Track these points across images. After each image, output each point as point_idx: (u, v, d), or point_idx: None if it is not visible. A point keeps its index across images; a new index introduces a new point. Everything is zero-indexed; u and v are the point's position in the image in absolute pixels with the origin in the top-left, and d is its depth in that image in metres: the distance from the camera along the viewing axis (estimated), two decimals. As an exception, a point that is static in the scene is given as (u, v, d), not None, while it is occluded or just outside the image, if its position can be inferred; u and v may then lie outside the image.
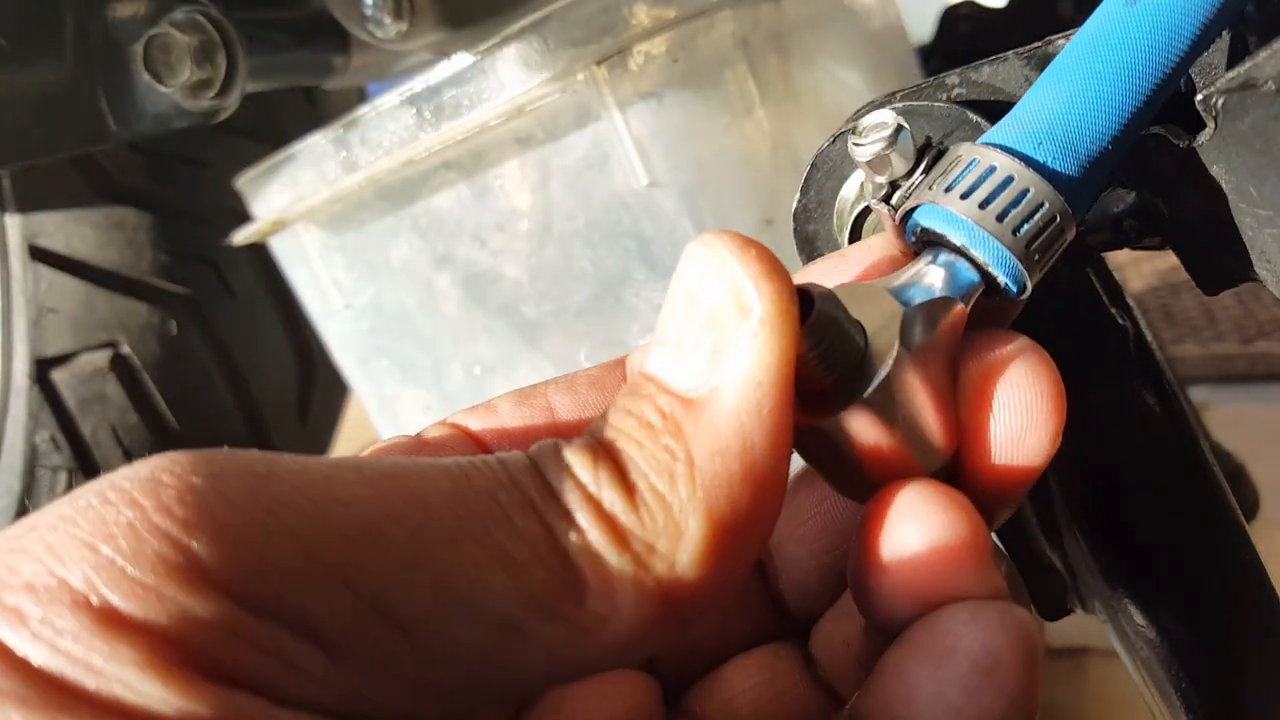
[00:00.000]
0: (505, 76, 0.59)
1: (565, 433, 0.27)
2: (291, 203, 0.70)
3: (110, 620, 0.18)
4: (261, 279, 0.99)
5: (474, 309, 0.67)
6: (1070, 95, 0.26)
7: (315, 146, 0.67)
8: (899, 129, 0.26)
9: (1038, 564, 0.35)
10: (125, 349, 0.94)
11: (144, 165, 0.96)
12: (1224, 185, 0.27)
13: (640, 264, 0.61)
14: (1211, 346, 1.69)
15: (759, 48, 0.61)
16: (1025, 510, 0.34)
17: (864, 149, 0.26)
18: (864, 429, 0.23)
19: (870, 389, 0.23)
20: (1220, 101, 0.26)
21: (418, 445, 0.28)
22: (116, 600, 0.18)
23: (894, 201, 0.26)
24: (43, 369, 0.94)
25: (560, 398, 0.29)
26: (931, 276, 0.25)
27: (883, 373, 0.23)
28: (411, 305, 0.70)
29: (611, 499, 0.21)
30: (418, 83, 0.61)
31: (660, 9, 0.58)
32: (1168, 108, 0.27)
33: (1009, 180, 0.25)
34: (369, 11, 0.74)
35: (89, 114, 0.59)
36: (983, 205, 0.25)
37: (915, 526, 0.23)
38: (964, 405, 0.25)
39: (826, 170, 0.31)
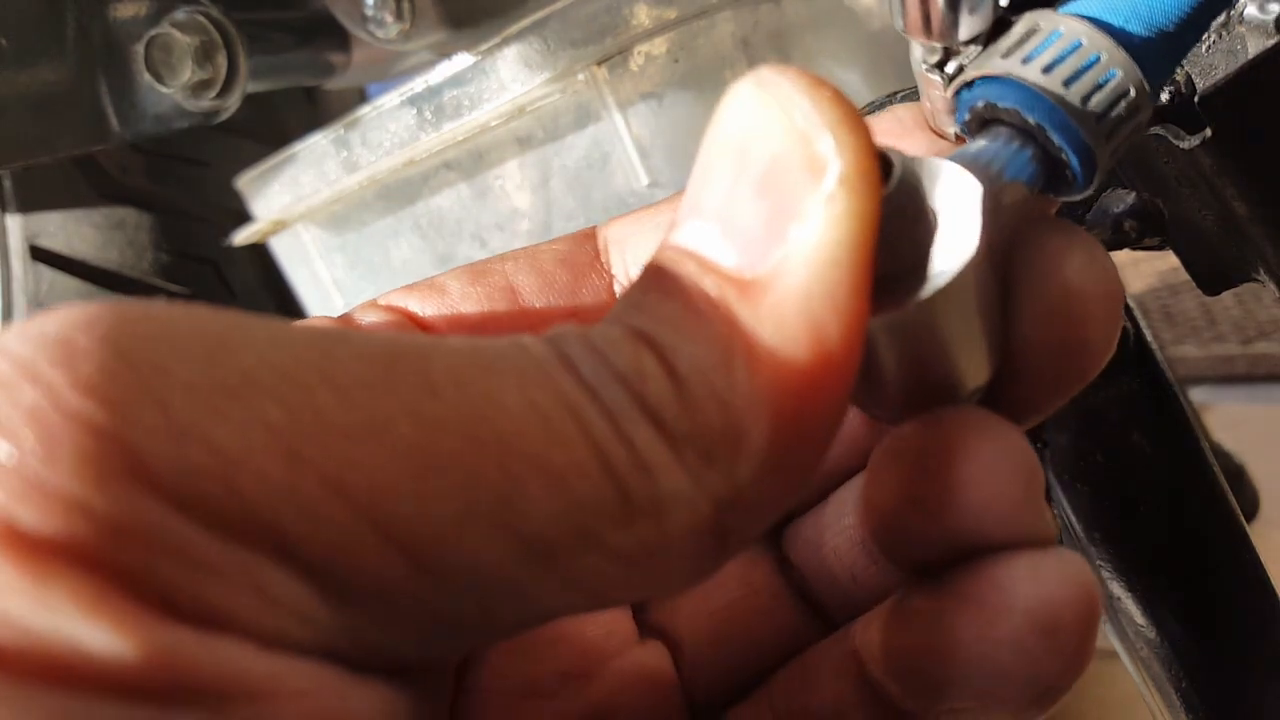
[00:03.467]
0: (506, 77, 0.59)
1: (536, 321, 0.23)
2: (292, 203, 0.70)
3: (26, 549, 0.13)
4: (262, 279, 0.99)
5: (474, 309, 0.67)
6: None
7: (316, 146, 0.67)
8: None
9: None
10: (126, 349, 0.94)
11: (145, 165, 0.96)
12: (1224, 185, 0.27)
13: (641, 264, 0.61)
14: (1211, 347, 1.69)
15: (759, 48, 0.61)
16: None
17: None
18: (917, 332, 0.20)
19: (945, 281, 0.19)
20: (1220, 102, 0.26)
21: (344, 328, 0.22)
22: (30, 520, 0.13)
23: (949, 70, 0.23)
24: (43, 369, 0.94)
25: (524, 277, 0.24)
26: (996, 157, 0.22)
27: (960, 265, 0.19)
28: (412, 305, 0.70)
29: (660, 398, 0.17)
30: (418, 83, 0.61)
31: (660, 9, 0.58)
32: (1168, 108, 0.27)
33: (1095, 59, 0.21)
34: (369, 12, 0.74)
35: (90, 114, 0.59)
36: (1066, 84, 0.21)
37: (970, 457, 0.19)
38: (1021, 310, 0.20)
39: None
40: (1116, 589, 0.34)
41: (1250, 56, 0.26)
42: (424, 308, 0.23)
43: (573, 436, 0.16)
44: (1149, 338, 0.34)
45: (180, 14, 0.59)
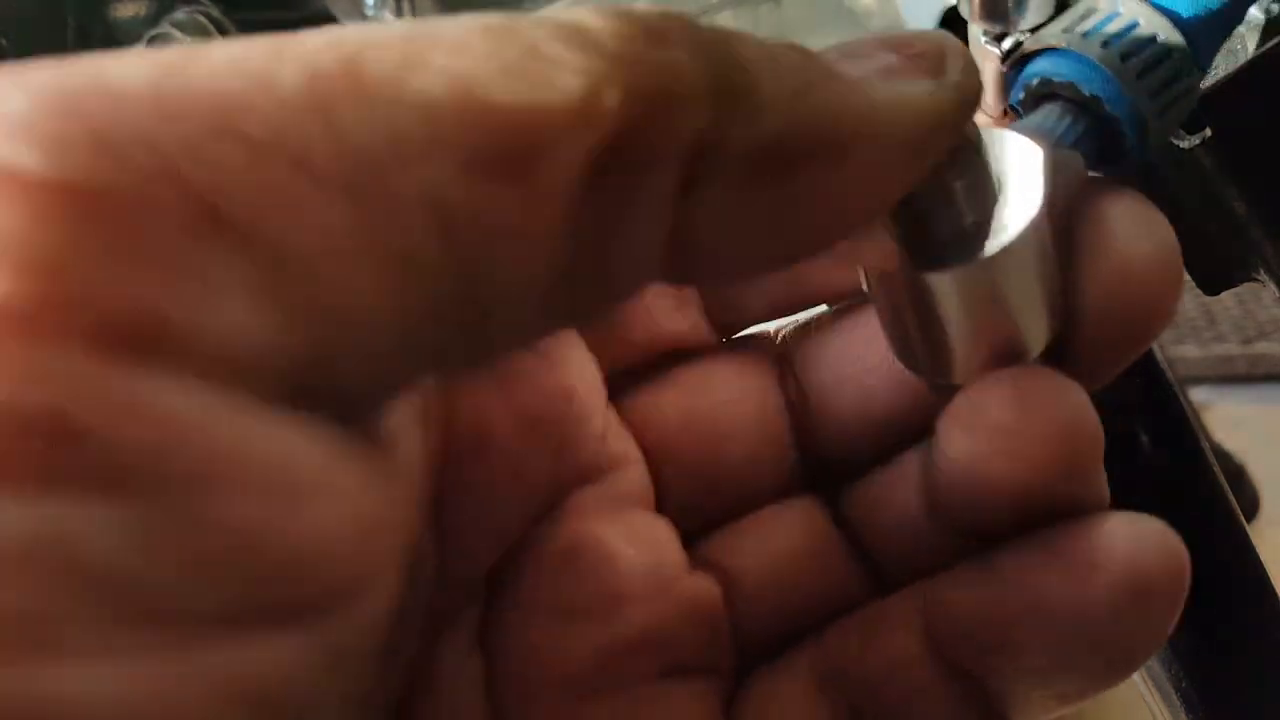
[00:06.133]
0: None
1: None
2: (292, 203, 0.70)
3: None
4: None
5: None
6: None
7: (316, 147, 0.67)
8: None
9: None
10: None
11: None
12: (1223, 185, 0.27)
13: (641, 264, 0.61)
14: (1211, 347, 1.69)
15: (759, 48, 0.61)
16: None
17: None
18: (981, 288, 0.20)
19: (1010, 238, 0.19)
20: (1220, 102, 0.26)
21: None
22: None
23: (1005, 45, 0.24)
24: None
25: None
26: (1054, 128, 0.22)
27: (1025, 222, 0.19)
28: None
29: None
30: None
31: (660, 9, 0.58)
32: (1168, 108, 0.27)
33: (1152, 37, 0.22)
34: (370, 12, 0.74)
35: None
36: (1124, 59, 0.22)
37: (1044, 421, 0.19)
38: (1080, 277, 0.20)
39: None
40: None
41: (1250, 56, 0.26)
42: None
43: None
44: (1149, 338, 0.34)
45: (180, 14, 0.59)
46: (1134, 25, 0.22)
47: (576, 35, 0.13)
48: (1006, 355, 0.20)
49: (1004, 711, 0.21)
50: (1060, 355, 0.21)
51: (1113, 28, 0.22)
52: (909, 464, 0.23)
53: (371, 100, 0.12)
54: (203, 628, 0.11)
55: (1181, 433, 0.34)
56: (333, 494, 0.12)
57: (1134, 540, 0.19)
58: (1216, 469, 0.34)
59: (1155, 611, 0.19)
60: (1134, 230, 0.20)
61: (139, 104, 0.11)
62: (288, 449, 0.12)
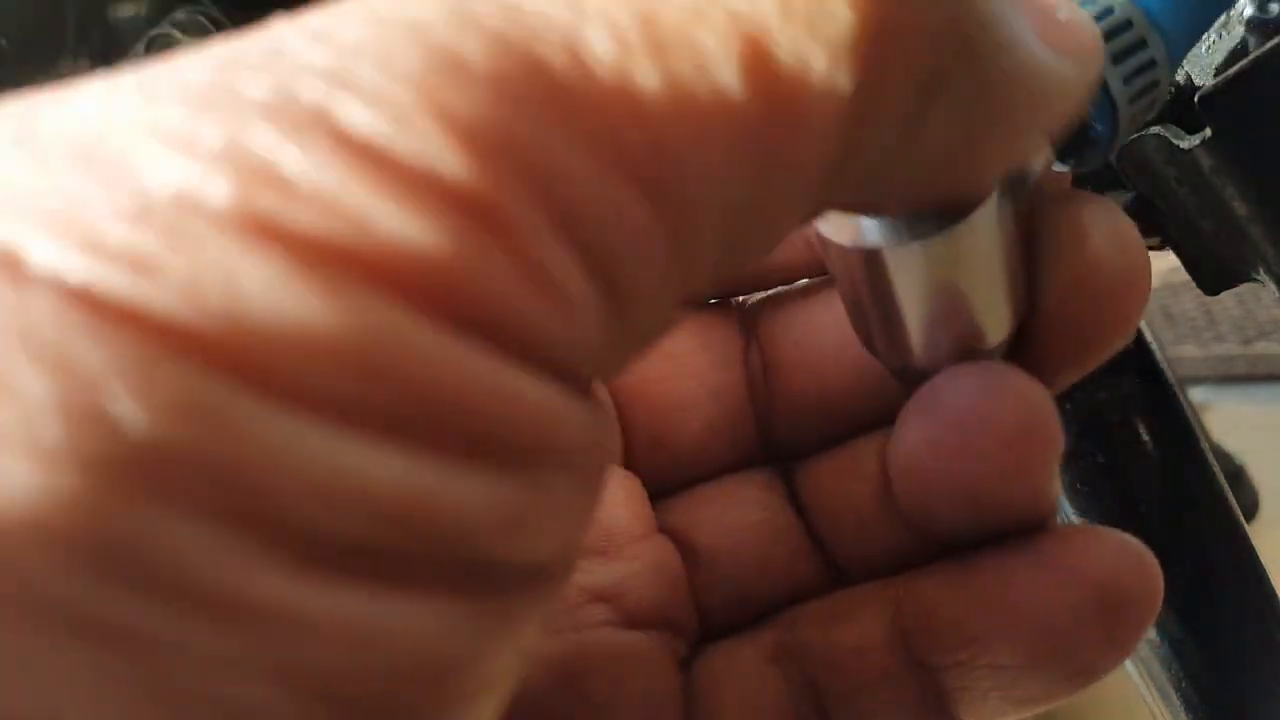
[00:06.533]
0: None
1: None
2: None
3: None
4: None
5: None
6: None
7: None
8: None
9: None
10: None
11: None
12: (1223, 185, 0.27)
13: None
14: (1211, 347, 1.69)
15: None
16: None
17: None
18: (938, 268, 0.19)
19: (967, 218, 0.19)
20: (1220, 102, 0.26)
21: None
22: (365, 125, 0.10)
23: None
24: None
25: None
26: None
27: (986, 204, 0.19)
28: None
29: None
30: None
31: None
32: (1168, 108, 0.27)
33: (1126, 25, 0.22)
34: (370, 12, 0.74)
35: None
36: None
37: (1005, 417, 0.19)
38: (1045, 274, 0.20)
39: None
40: (1116, 589, 0.34)
41: (1250, 56, 0.26)
42: None
43: None
44: (1149, 338, 0.34)
45: (180, 14, 0.59)
46: (1108, 10, 0.22)
47: None
48: (963, 341, 0.20)
49: (956, 710, 0.21)
50: (1021, 352, 0.21)
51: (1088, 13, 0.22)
52: (865, 449, 0.23)
53: (672, 79, 0.11)
54: (527, 583, 0.12)
55: (1181, 433, 0.34)
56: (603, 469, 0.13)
57: (1116, 554, 0.19)
58: (1216, 469, 0.34)
59: (1127, 626, 0.19)
60: (1107, 240, 0.20)
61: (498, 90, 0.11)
62: (595, 436, 0.12)
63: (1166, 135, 0.28)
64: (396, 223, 0.10)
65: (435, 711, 0.11)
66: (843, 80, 0.12)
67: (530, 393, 0.11)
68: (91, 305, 0.09)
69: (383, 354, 0.10)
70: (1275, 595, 0.34)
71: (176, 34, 0.59)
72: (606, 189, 0.11)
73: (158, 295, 0.09)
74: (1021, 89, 0.15)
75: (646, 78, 0.11)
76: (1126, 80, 0.22)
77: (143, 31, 0.59)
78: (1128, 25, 0.22)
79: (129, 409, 0.09)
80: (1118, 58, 0.22)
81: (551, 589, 0.12)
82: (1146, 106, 0.23)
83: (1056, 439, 0.19)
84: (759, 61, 0.12)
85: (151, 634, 0.09)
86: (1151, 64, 0.22)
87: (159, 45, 0.60)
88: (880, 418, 0.23)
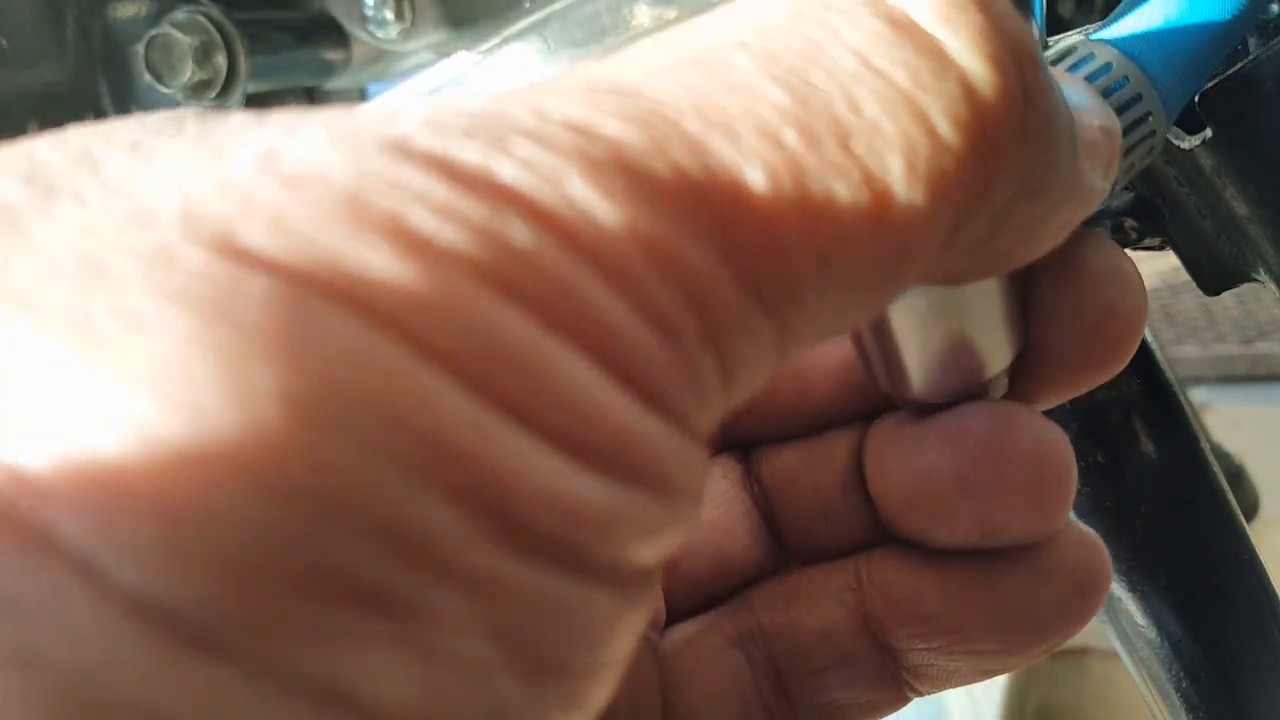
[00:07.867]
0: (506, 77, 0.59)
1: None
2: (292, 203, 0.70)
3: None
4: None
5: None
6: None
7: (316, 147, 0.67)
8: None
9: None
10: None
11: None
12: (1224, 186, 0.27)
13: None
14: (1212, 347, 1.69)
15: (759, 48, 0.61)
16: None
17: None
18: (938, 307, 0.21)
19: None
20: (1220, 102, 0.26)
21: None
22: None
23: None
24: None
25: None
26: None
27: None
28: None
29: None
30: (418, 83, 0.62)
31: (661, 9, 0.58)
32: (1168, 108, 0.27)
33: (1124, 83, 0.23)
34: (370, 12, 0.74)
35: (91, 114, 0.59)
36: None
37: (1021, 452, 0.21)
38: (1043, 310, 0.22)
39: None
40: (1117, 589, 0.34)
41: (1250, 56, 0.26)
42: None
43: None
44: (1149, 338, 0.34)
45: (180, 14, 0.59)
46: (1107, 68, 0.23)
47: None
48: (963, 374, 0.21)
49: (917, 683, 0.23)
50: (1018, 377, 0.22)
51: (1086, 71, 0.23)
52: (838, 442, 0.24)
53: (811, 221, 0.14)
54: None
55: (1181, 433, 0.34)
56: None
57: (1080, 543, 0.22)
58: (1216, 469, 0.34)
59: (1095, 604, 0.22)
60: (1104, 276, 0.22)
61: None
62: (705, 477, 0.15)
63: (1167, 135, 0.28)
64: (616, 309, 0.13)
65: (587, 677, 0.13)
66: (948, 217, 0.15)
67: (673, 440, 0.13)
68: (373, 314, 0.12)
69: (588, 406, 0.12)
70: (1275, 595, 0.34)
71: (176, 34, 0.59)
72: (745, 309, 0.14)
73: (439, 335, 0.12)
74: (1070, 207, 0.18)
75: (788, 219, 0.14)
76: (1124, 133, 0.23)
77: (143, 31, 0.59)
78: (1125, 81, 0.23)
79: (432, 422, 0.11)
80: (1116, 112, 0.22)
81: (654, 593, 0.14)
82: (1144, 154, 0.24)
83: (1073, 484, 0.21)
84: (881, 211, 0.14)
85: (410, 599, 0.11)
86: (1147, 117, 0.23)
87: (159, 45, 0.60)
88: (852, 412, 0.24)
